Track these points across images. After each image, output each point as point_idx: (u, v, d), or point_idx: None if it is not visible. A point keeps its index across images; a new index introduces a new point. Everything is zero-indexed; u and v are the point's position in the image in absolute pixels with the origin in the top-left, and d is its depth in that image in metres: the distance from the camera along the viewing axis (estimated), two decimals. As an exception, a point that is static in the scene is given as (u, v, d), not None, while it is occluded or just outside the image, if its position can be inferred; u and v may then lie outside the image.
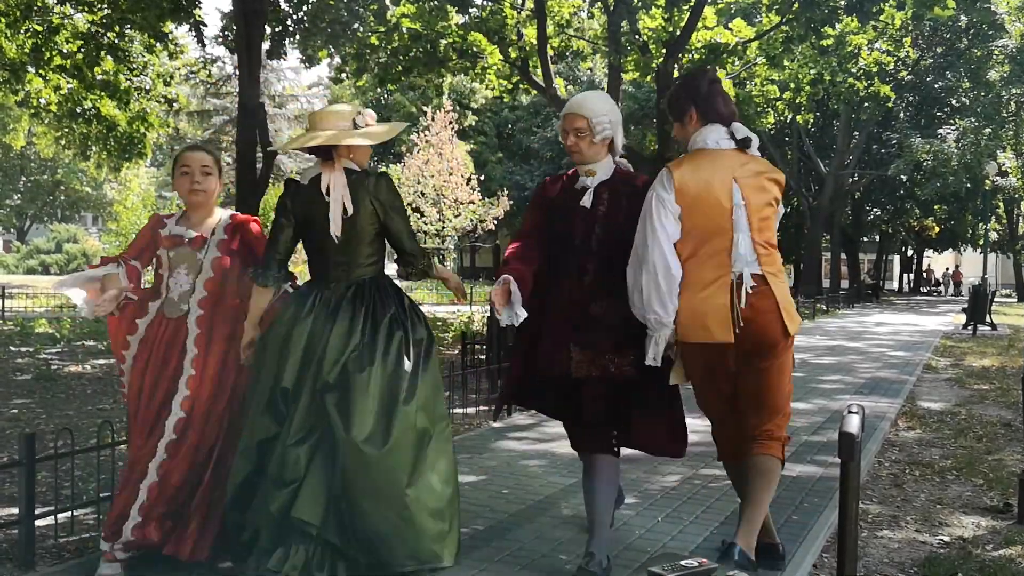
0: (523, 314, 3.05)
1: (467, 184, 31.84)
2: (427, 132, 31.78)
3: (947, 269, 49.58)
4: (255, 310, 3.26)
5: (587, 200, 3.29)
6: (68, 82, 14.19)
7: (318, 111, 3.23)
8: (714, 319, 3.09)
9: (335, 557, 2.94)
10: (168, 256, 3.38)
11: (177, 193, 3.46)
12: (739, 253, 3.12)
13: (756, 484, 3.15)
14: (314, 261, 3.26)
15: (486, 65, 16.39)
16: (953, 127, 26.79)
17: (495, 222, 32.66)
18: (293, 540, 2.91)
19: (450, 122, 32.12)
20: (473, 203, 32.18)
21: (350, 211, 3.12)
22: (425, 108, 32.90)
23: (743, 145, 3.22)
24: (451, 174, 31.25)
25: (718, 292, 3.10)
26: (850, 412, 2.76)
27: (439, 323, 14.15)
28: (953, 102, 30.11)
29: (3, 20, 13.09)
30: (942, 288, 47.17)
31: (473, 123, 38.13)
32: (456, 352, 9.03)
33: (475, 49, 15.99)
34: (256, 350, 3.22)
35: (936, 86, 30.20)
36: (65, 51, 13.65)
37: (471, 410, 6.76)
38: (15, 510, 3.43)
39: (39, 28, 13.41)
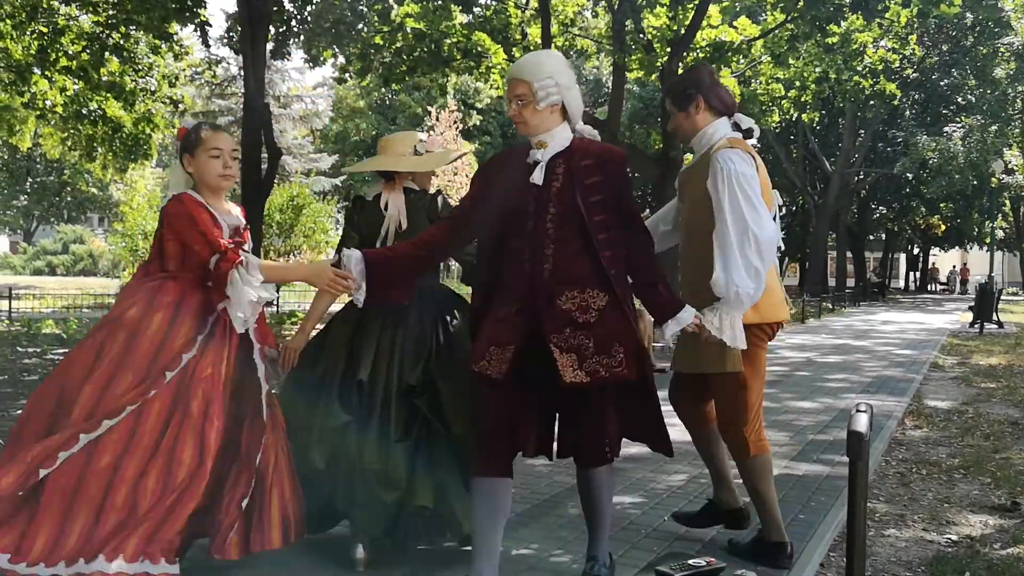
0: (362, 296, 2.92)
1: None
2: (431, 132, 31.80)
3: (953, 267, 49.45)
4: (320, 310, 3.45)
5: (538, 176, 2.86)
6: (74, 83, 14.24)
7: (386, 137, 3.64)
8: (780, 297, 3.30)
9: (442, 525, 3.33)
10: None
11: (196, 174, 3.05)
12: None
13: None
14: None
15: (490, 64, 16.36)
16: (959, 125, 26.76)
17: (499, 222, 32.64)
18: (406, 518, 3.25)
19: (455, 122, 32.16)
20: (478, 203, 32.14)
21: (404, 226, 3.42)
22: (429, 108, 32.96)
23: (748, 135, 3.31)
24: (455, 174, 31.24)
25: (772, 272, 3.25)
26: (858, 411, 2.74)
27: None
28: (959, 100, 30.05)
29: (9, 22, 13.14)
30: (949, 287, 47.05)
31: (478, 123, 38.08)
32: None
33: (479, 48, 15.96)
34: (311, 345, 3.41)
35: (942, 84, 30.13)
36: (70, 52, 13.70)
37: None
38: (22, 510, 3.43)
39: (44, 29, 13.46)
